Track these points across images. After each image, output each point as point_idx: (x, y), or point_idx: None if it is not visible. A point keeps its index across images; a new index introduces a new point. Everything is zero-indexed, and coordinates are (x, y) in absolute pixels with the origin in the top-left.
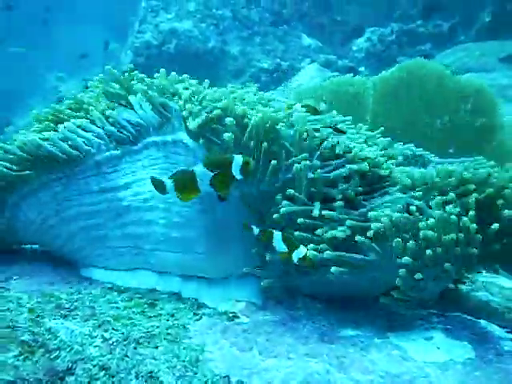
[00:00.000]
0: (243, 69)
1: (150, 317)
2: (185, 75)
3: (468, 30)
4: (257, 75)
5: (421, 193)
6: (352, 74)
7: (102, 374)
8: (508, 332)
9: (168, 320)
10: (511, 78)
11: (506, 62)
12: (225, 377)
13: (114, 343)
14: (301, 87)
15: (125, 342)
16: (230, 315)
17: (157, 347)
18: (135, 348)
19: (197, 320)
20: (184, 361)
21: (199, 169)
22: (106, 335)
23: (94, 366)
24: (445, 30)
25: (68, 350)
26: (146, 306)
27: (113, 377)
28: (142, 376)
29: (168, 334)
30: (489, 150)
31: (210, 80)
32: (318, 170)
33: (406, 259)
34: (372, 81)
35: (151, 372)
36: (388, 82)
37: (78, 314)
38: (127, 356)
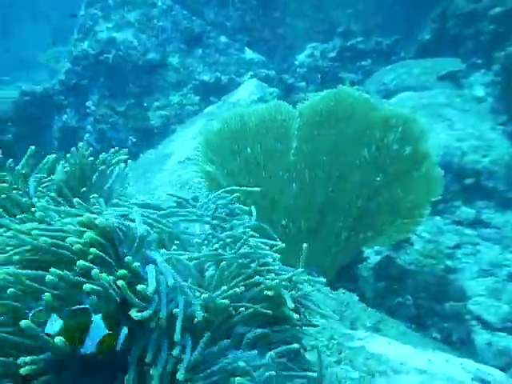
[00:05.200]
0: (184, 80)
1: None
2: None
3: (408, 46)
4: (197, 87)
5: None
6: (279, 101)
7: None
8: None
9: None
10: (449, 96)
11: (446, 79)
12: None
13: None
14: (225, 114)
15: None
16: None
17: None
18: None
19: None
20: None
21: None
22: None
23: None
24: (385, 47)
25: None
26: None
27: None
28: None
29: None
30: (417, 178)
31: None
32: None
33: None
34: (298, 109)
35: None
36: (315, 110)
37: None
38: None
